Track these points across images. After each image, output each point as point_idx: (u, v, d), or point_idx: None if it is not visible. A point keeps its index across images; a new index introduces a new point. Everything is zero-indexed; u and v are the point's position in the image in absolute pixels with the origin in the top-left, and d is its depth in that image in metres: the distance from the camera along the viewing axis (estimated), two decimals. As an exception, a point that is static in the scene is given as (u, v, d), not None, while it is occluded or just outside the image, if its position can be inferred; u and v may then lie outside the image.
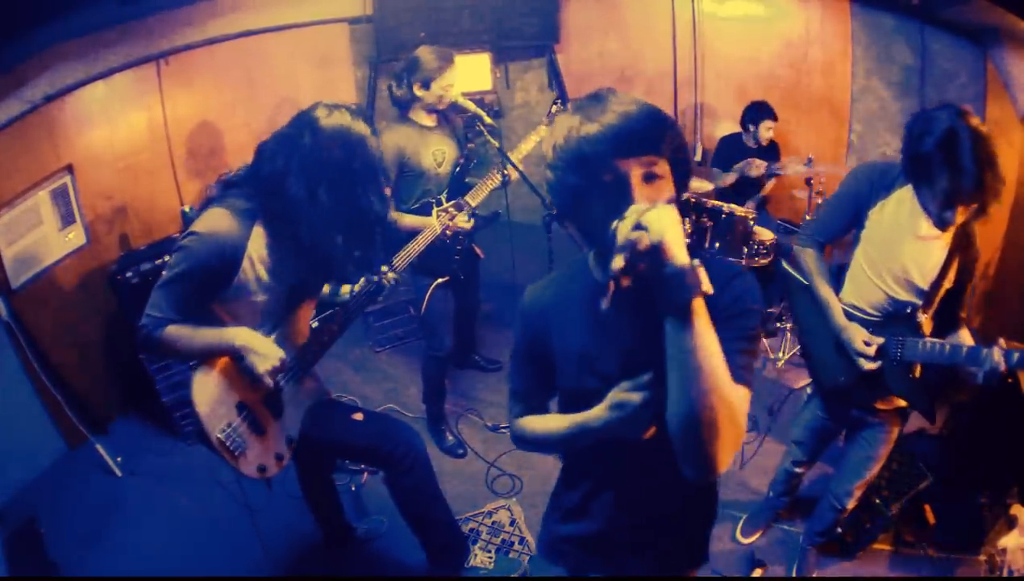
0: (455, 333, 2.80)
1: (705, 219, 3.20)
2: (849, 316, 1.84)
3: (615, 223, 0.85)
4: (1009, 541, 2.20)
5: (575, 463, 1.28)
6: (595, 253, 1.11)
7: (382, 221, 1.64)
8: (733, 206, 3.17)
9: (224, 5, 3.26)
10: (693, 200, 3.15)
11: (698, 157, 4.29)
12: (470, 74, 3.80)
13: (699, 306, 0.84)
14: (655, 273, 0.82)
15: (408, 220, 2.52)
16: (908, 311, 1.74)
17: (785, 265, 2.11)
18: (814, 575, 2.27)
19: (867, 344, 1.77)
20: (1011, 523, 2.25)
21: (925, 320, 1.74)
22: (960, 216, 1.53)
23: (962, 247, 1.69)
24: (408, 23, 3.63)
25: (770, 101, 3.64)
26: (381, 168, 1.61)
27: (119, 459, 2.83)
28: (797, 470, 2.27)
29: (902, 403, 1.87)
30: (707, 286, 0.84)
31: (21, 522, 2.38)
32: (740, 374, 0.94)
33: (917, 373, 1.78)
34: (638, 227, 0.82)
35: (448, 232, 2.49)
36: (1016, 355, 1.55)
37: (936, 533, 2.37)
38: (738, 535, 2.43)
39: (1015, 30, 2.75)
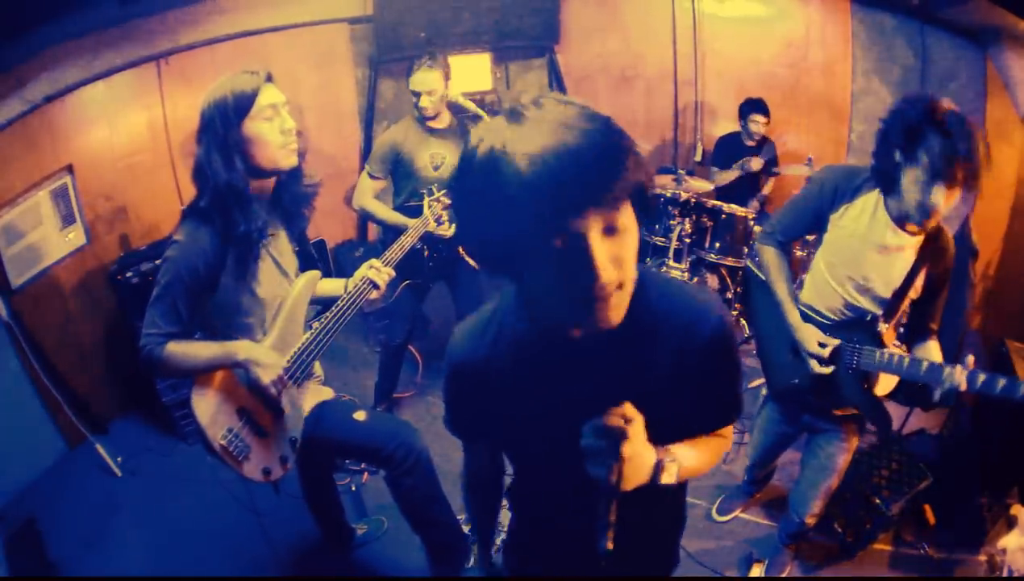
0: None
1: (705, 219, 3.20)
2: (806, 318, 1.80)
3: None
4: (1009, 541, 2.20)
5: (535, 511, 1.17)
6: (531, 296, 0.86)
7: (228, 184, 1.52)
8: (733, 206, 3.17)
9: (224, 5, 3.26)
10: (693, 200, 3.15)
11: (698, 157, 4.29)
12: (470, 74, 3.80)
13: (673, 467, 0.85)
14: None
15: (383, 213, 2.63)
16: (868, 319, 1.69)
17: (750, 264, 2.08)
18: (820, 575, 2.27)
19: (822, 346, 1.72)
20: (1011, 523, 2.25)
21: (886, 330, 1.67)
22: (946, 202, 1.44)
23: (932, 257, 1.62)
24: (408, 23, 3.62)
25: (770, 101, 3.64)
26: (225, 128, 1.51)
27: (119, 459, 2.83)
28: (756, 466, 2.35)
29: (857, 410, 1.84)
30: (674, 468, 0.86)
31: (21, 522, 2.38)
32: (729, 413, 0.96)
33: (884, 388, 1.73)
34: (604, 439, 0.76)
35: (436, 228, 2.41)
36: (982, 378, 1.47)
37: (936, 533, 2.37)
38: (714, 513, 2.51)
39: (1015, 30, 2.75)
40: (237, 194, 1.55)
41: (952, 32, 3.15)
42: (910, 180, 1.48)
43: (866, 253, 1.65)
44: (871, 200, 1.63)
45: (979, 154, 1.40)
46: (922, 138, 1.43)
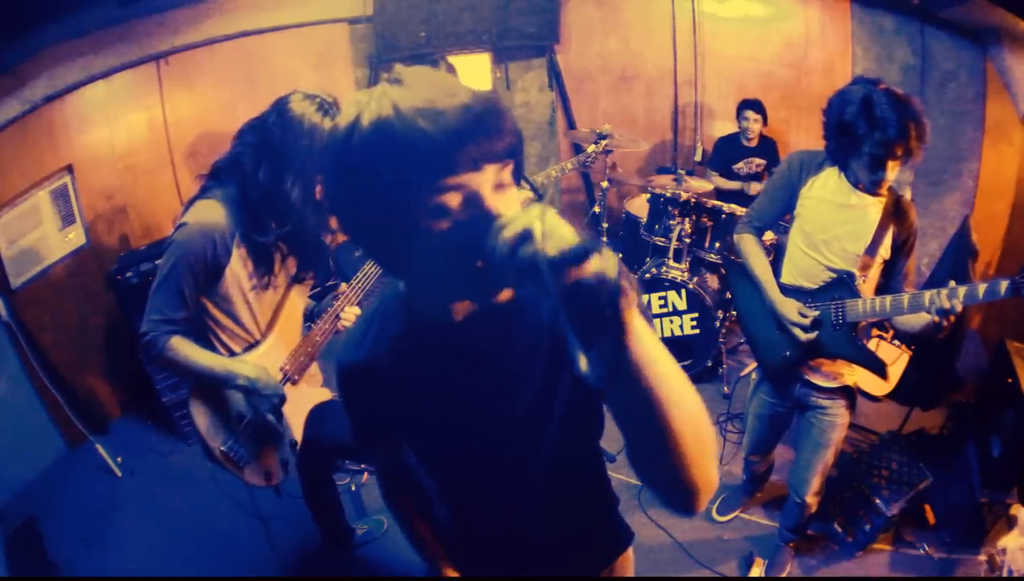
0: None
1: (705, 219, 3.20)
2: (789, 296, 1.90)
3: (501, 239, 0.60)
4: (1009, 541, 2.20)
5: (459, 508, 1.12)
6: (415, 287, 0.85)
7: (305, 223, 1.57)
8: (733, 206, 3.17)
9: (224, 5, 3.26)
10: (693, 200, 3.15)
11: (698, 157, 4.29)
12: (470, 74, 3.80)
13: (633, 311, 0.60)
14: (568, 290, 0.57)
15: None
16: (845, 277, 1.78)
17: (734, 258, 2.14)
18: (820, 574, 2.27)
19: (803, 315, 1.84)
20: (1011, 523, 2.25)
21: (863, 283, 1.78)
22: (891, 172, 1.61)
23: (896, 217, 1.74)
24: (408, 23, 3.62)
25: (770, 101, 3.64)
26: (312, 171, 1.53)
27: (119, 459, 2.83)
28: (753, 458, 2.36)
29: (847, 380, 1.90)
30: (635, 291, 0.61)
31: (21, 522, 2.38)
32: None
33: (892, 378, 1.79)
34: (526, 238, 0.58)
35: None
36: (962, 290, 1.53)
37: (936, 533, 2.37)
38: (714, 513, 2.53)
39: (1015, 30, 2.76)
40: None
41: (952, 32, 3.16)
42: (855, 164, 1.67)
43: (834, 213, 1.78)
44: (833, 171, 1.79)
45: (914, 131, 1.53)
46: (856, 135, 1.59)
